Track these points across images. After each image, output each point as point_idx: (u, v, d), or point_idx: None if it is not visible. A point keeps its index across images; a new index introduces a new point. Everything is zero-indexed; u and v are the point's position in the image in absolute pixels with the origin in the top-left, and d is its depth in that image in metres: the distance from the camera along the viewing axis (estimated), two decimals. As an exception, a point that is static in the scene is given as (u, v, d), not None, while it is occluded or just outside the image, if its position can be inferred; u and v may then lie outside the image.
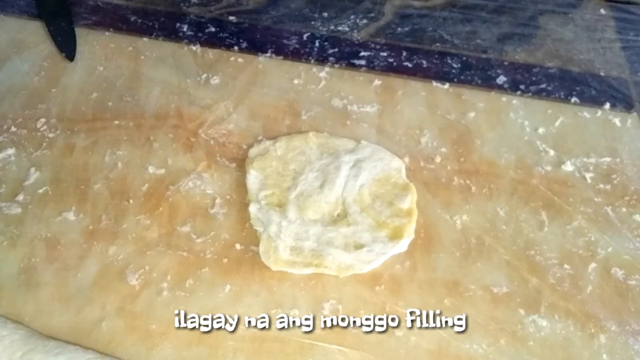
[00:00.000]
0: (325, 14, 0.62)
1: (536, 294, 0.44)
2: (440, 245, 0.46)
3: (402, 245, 0.44)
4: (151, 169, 0.48)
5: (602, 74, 0.59)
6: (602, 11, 0.66)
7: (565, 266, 0.45)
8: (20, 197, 0.46)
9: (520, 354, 0.41)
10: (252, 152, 0.50)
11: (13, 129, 0.50)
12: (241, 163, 0.49)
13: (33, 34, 0.57)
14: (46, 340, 0.38)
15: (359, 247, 0.44)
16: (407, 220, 0.45)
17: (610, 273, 0.45)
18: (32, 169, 0.47)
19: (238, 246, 0.45)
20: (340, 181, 0.47)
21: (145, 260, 0.43)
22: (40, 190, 0.46)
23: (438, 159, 0.51)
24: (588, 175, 0.51)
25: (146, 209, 0.46)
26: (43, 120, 0.51)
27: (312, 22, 0.62)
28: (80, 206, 0.46)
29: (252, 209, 0.46)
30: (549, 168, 0.51)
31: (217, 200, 0.47)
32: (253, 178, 0.48)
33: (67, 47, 0.56)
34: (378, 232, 0.45)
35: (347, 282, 0.43)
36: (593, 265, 0.45)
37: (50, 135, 0.50)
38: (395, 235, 0.45)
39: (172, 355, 0.39)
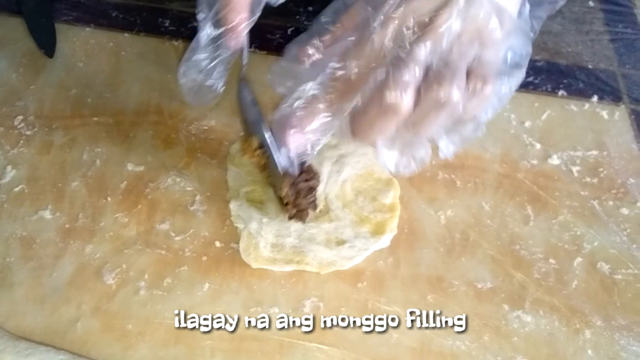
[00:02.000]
0: (310, 8, 0.62)
1: (521, 289, 0.43)
2: (424, 241, 0.45)
3: (385, 241, 0.44)
4: (130, 166, 0.47)
5: (590, 66, 0.59)
6: (591, 3, 0.65)
7: (551, 261, 0.44)
8: (-4, 196, 0.45)
9: (504, 350, 0.40)
10: (234, 148, 0.49)
11: (-11, 126, 0.49)
12: (222, 159, 0.48)
13: (12, 30, 0.56)
14: (17, 340, 0.37)
15: (340, 243, 0.43)
16: (389, 216, 0.45)
17: (596, 267, 0.44)
18: (9, 167, 0.47)
19: (218, 244, 0.44)
20: (322, 177, 0.46)
21: (122, 258, 0.42)
22: (16, 189, 0.46)
23: (423, 154, 0.50)
24: (575, 169, 0.50)
25: (124, 207, 0.45)
26: (20, 117, 0.50)
27: (297, 17, 0.61)
28: (57, 204, 0.45)
29: (233, 205, 0.45)
30: (535, 162, 0.50)
31: (197, 197, 0.46)
32: (234, 175, 0.47)
33: (46, 44, 0.55)
34: (360, 227, 0.44)
35: (329, 279, 0.43)
36: (579, 259, 0.45)
37: (28, 132, 0.49)
38: (378, 231, 0.44)
39: (148, 355, 0.38)
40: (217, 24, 0.37)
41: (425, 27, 0.34)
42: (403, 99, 0.33)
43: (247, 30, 0.38)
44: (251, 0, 0.37)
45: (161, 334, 0.39)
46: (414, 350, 0.40)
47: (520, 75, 0.37)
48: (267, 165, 0.41)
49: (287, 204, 0.42)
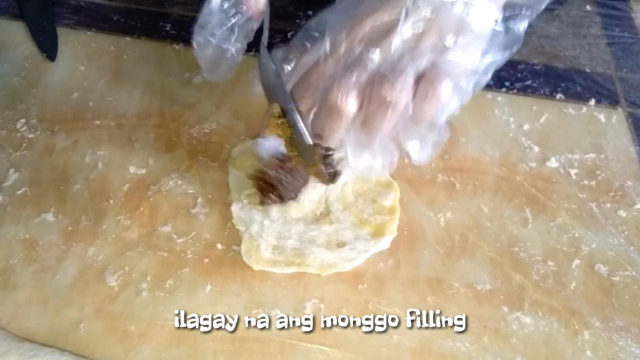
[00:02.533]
0: (310, 12, 0.62)
1: (520, 291, 0.43)
2: (423, 243, 0.45)
3: (385, 243, 0.44)
4: (132, 169, 0.48)
5: (587, 70, 0.59)
6: (588, 7, 0.66)
7: (549, 263, 0.45)
8: (-1, 199, 0.45)
9: (503, 352, 0.40)
10: (235, 151, 0.49)
11: (-8, 129, 0.49)
12: (223, 162, 0.49)
13: (14, 34, 0.57)
14: (21, 342, 0.37)
15: (341, 245, 0.44)
16: (389, 218, 0.45)
17: (594, 269, 0.45)
18: (11, 170, 0.47)
19: (219, 246, 0.44)
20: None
21: (124, 261, 0.43)
22: (19, 192, 0.46)
23: (422, 157, 0.50)
24: (573, 172, 0.50)
25: (126, 210, 0.45)
26: (23, 120, 0.50)
27: (297, 20, 0.61)
28: (60, 207, 0.45)
29: (234, 208, 0.46)
30: (533, 164, 0.51)
31: (199, 200, 0.46)
32: (235, 177, 0.47)
33: (48, 47, 0.56)
34: (360, 230, 0.45)
35: (330, 280, 0.43)
36: (577, 261, 0.45)
37: (30, 135, 0.49)
38: (378, 233, 0.44)
39: (150, 356, 0.39)
40: None
41: (378, 37, 0.35)
42: (346, 100, 0.35)
43: None
44: None
45: (163, 335, 0.39)
46: (414, 351, 0.40)
47: (482, 79, 0.38)
48: (292, 137, 0.39)
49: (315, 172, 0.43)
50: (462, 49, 0.36)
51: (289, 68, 0.39)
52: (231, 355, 0.39)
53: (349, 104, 0.35)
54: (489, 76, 0.38)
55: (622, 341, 0.41)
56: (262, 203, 0.45)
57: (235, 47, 0.39)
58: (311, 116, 0.38)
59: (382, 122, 0.36)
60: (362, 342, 0.40)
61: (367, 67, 0.35)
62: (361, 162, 0.40)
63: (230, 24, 0.38)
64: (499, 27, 0.37)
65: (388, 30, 0.35)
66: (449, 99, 0.36)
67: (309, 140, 0.38)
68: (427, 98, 0.35)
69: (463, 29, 0.36)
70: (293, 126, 0.38)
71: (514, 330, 0.41)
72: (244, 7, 0.38)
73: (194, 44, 0.38)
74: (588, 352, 0.41)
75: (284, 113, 0.38)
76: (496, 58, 0.38)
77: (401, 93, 0.35)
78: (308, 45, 0.39)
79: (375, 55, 0.35)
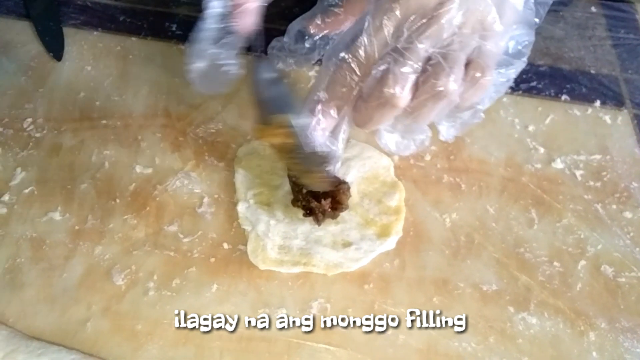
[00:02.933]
0: (315, 13, 0.62)
1: (525, 292, 0.43)
2: (429, 243, 0.45)
3: (390, 243, 0.44)
4: (138, 169, 0.48)
5: (592, 71, 0.59)
6: (593, 9, 0.66)
7: (555, 264, 0.45)
8: (6, 197, 0.45)
9: (509, 352, 0.40)
10: (241, 151, 0.49)
11: (-1, 129, 0.50)
12: (229, 162, 0.49)
13: (21, 34, 0.57)
14: (29, 340, 0.37)
15: (347, 245, 0.44)
16: (395, 218, 0.45)
17: (600, 270, 0.45)
18: (18, 169, 0.47)
19: (226, 245, 0.44)
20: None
21: (131, 260, 0.43)
22: (26, 191, 0.46)
23: (428, 157, 0.50)
24: (578, 173, 0.50)
25: (133, 209, 0.46)
26: (30, 120, 0.50)
27: (302, 21, 0.61)
28: (67, 206, 0.45)
29: (241, 208, 0.46)
30: (539, 166, 0.51)
31: (205, 200, 0.47)
32: (241, 177, 0.48)
33: (54, 47, 0.56)
34: (366, 230, 0.45)
35: (336, 280, 0.43)
36: (583, 262, 0.45)
37: (37, 135, 0.49)
38: (383, 233, 0.44)
39: (157, 355, 0.39)
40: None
41: (427, 21, 0.34)
42: (401, 92, 0.34)
43: (257, 10, 0.37)
44: None
45: (170, 334, 0.40)
46: (420, 351, 0.40)
47: (520, 65, 0.38)
48: (290, 147, 0.38)
49: (313, 196, 0.42)
50: (505, 32, 0.35)
51: (307, 45, 0.40)
52: (238, 355, 0.39)
53: (404, 95, 0.34)
54: (525, 59, 0.38)
55: (628, 342, 0.41)
56: (316, 221, 0.44)
57: (229, 64, 0.38)
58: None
59: (433, 110, 0.35)
60: (368, 342, 0.40)
61: (419, 54, 0.34)
62: (393, 140, 0.39)
63: (223, 41, 0.38)
64: (531, 6, 0.37)
65: (436, 12, 0.34)
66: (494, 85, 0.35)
67: (319, 147, 0.38)
68: (475, 85, 0.35)
69: (505, 10, 0.35)
70: (296, 135, 0.37)
71: (520, 330, 0.41)
72: (236, 25, 0.37)
73: (188, 59, 0.38)
74: (594, 353, 0.41)
75: (286, 123, 0.37)
76: (530, 39, 0.37)
77: (456, 83, 0.34)
78: (328, 20, 0.38)
79: (428, 42, 0.34)
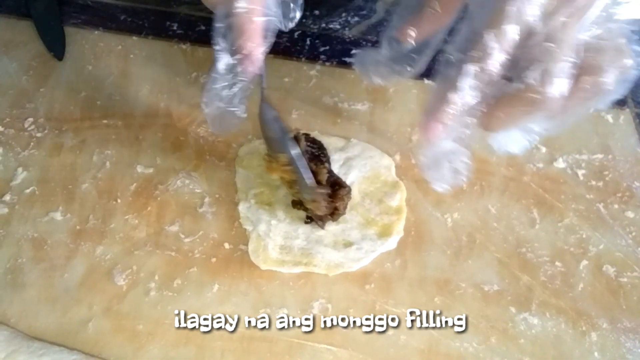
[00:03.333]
0: (317, 12, 0.62)
1: (527, 292, 0.43)
2: (430, 243, 0.45)
3: (391, 243, 0.44)
4: (140, 168, 0.48)
5: (594, 70, 0.59)
6: (595, 7, 0.65)
7: (557, 263, 0.45)
8: (7, 197, 0.45)
9: (511, 352, 0.40)
10: (242, 150, 0.49)
11: (0, 128, 0.49)
12: (230, 162, 0.49)
13: (22, 33, 0.57)
14: (30, 341, 0.37)
15: (348, 245, 0.44)
16: (396, 218, 0.45)
17: (602, 270, 0.45)
18: (20, 169, 0.47)
19: (227, 245, 0.44)
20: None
21: (132, 260, 0.43)
22: (27, 190, 0.46)
23: (429, 157, 0.50)
24: (580, 172, 0.50)
25: (134, 209, 0.46)
26: (31, 119, 0.50)
27: (304, 20, 0.61)
28: (68, 206, 0.45)
29: (242, 207, 0.46)
30: (540, 165, 0.51)
31: (206, 199, 0.47)
32: (242, 177, 0.47)
33: (55, 47, 0.56)
34: (367, 229, 0.45)
35: (337, 280, 0.43)
36: (585, 262, 0.45)
37: (38, 134, 0.49)
38: (384, 233, 0.44)
39: (159, 355, 0.39)
40: (233, 52, 0.37)
41: (569, 2, 0.30)
42: (559, 92, 0.31)
43: (263, 56, 0.38)
44: (264, 28, 0.37)
45: (172, 334, 0.40)
46: (422, 351, 0.40)
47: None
48: (296, 182, 0.43)
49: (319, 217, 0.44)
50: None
51: (413, 43, 0.37)
52: (239, 355, 0.39)
53: (561, 93, 0.31)
54: None
55: (630, 342, 0.41)
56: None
57: (239, 107, 0.40)
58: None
59: (590, 107, 0.32)
60: (369, 342, 0.40)
61: (573, 45, 0.30)
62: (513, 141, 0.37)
63: (232, 88, 0.39)
64: None
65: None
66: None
67: (312, 183, 0.42)
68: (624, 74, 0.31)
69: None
70: (297, 172, 0.42)
71: (522, 331, 0.41)
72: (244, 73, 0.38)
73: (202, 105, 0.40)
74: (596, 354, 0.41)
75: (289, 162, 0.42)
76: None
77: (616, 75, 0.31)
78: (424, 21, 0.36)
79: (582, 28, 0.30)
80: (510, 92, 0.32)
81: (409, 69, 0.41)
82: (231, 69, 0.38)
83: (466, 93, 0.32)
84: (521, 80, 0.32)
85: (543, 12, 0.31)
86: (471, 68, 0.32)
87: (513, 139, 0.36)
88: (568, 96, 0.31)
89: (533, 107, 0.32)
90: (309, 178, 0.41)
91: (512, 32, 0.31)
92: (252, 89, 0.40)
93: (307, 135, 0.46)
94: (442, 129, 0.34)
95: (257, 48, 0.37)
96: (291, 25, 0.39)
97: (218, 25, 0.37)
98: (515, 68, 0.32)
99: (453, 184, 0.37)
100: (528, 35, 0.31)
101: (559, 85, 0.31)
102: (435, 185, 0.38)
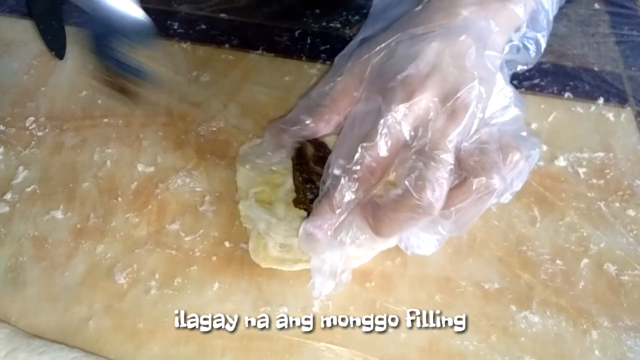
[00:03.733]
0: (317, 11, 0.62)
1: (528, 290, 0.43)
2: (431, 242, 0.45)
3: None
4: (140, 167, 0.48)
5: (596, 68, 0.59)
6: (596, 6, 0.65)
7: (558, 262, 0.45)
8: (8, 196, 0.45)
9: (511, 351, 0.40)
10: (243, 149, 0.49)
11: (1, 127, 0.50)
12: (231, 160, 0.49)
13: (23, 33, 0.57)
14: (31, 339, 0.37)
15: (348, 243, 0.44)
16: (397, 217, 0.45)
17: (603, 269, 0.45)
18: (21, 168, 0.47)
19: (227, 244, 0.44)
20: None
21: (133, 258, 0.43)
22: (28, 189, 0.46)
23: (430, 155, 0.50)
24: (581, 171, 0.50)
25: (135, 207, 0.46)
26: (32, 118, 0.50)
27: (304, 19, 0.61)
28: (69, 204, 0.45)
29: (242, 206, 0.46)
30: (541, 163, 0.50)
31: (207, 198, 0.47)
32: (243, 175, 0.47)
33: (56, 46, 0.56)
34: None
35: (337, 279, 0.43)
36: (585, 260, 0.45)
37: (39, 133, 0.50)
38: (385, 232, 0.44)
39: (159, 353, 0.39)
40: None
41: (451, 113, 0.33)
42: (439, 198, 0.33)
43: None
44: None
45: (172, 333, 0.40)
46: (422, 349, 0.40)
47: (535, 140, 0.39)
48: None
49: None
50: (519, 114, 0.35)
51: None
52: (239, 353, 0.39)
53: (442, 200, 0.33)
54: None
55: (631, 341, 0.41)
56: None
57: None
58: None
59: (482, 208, 0.35)
60: (370, 340, 0.40)
61: (452, 154, 0.33)
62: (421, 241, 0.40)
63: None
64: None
65: (457, 105, 0.33)
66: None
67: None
68: (514, 169, 0.35)
69: (514, 94, 0.36)
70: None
71: (522, 329, 0.41)
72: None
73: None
74: (596, 352, 0.41)
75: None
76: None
77: (505, 177, 0.34)
78: (311, 121, 0.39)
79: (458, 139, 0.33)
80: (392, 199, 0.34)
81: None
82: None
83: (344, 199, 0.34)
84: (401, 187, 0.33)
85: (414, 128, 0.33)
86: (346, 179, 0.34)
87: (422, 241, 0.39)
88: (460, 198, 0.33)
89: (414, 212, 0.33)
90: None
91: (382, 146, 0.33)
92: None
93: (315, 140, 0.45)
94: (325, 238, 0.35)
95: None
96: None
97: None
98: (396, 175, 0.34)
99: (332, 290, 0.39)
100: (403, 146, 0.34)
101: (433, 190, 0.32)
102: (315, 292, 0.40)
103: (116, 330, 0.40)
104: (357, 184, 0.34)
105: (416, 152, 0.33)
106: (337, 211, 0.35)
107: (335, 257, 0.38)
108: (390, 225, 0.35)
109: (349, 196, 0.34)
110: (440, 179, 0.32)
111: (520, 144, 0.35)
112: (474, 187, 0.33)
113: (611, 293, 0.43)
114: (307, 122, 0.39)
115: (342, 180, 0.34)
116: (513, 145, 0.34)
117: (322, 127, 0.39)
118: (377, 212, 0.35)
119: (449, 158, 0.33)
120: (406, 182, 0.33)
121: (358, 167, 0.34)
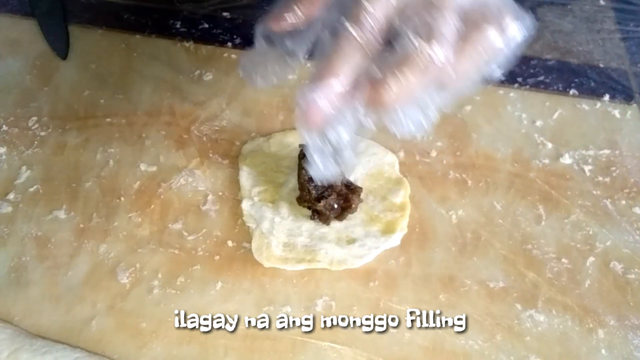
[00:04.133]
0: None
1: (533, 289, 0.43)
2: (435, 240, 0.45)
3: (395, 240, 0.44)
4: (143, 167, 0.48)
5: (601, 65, 0.59)
6: (602, 2, 0.65)
7: (563, 260, 0.44)
8: (11, 196, 0.45)
9: (517, 350, 0.40)
10: (246, 148, 0.49)
11: (4, 127, 0.50)
12: (234, 160, 0.49)
13: (25, 33, 0.57)
14: (34, 339, 0.37)
15: (351, 241, 0.44)
16: (400, 215, 0.45)
17: (609, 267, 0.44)
18: (24, 168, 0.47)
19: (230, 243, 0.44)
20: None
21: (136, 258, 0.43)
22: (31, 189, 0.46)
23: (434, 153, 0.50)
24: (587, 168, 0.50)
25: (137, 207, 0.46)
26: (35, 118, 0.50)
27: (307, 17, 0.61)
28: (71, 204, 0.45)
29: (245, 205, 0.46)
30: (546, 161, 0.50)
31: (209, 197, 0.46)
32: (246, 174, 0.47)
33: (59, 46, 0.56)
34: (371, 226, 0.44)
35: (341, 278, 0.43)
36: (591, 259, 0.44)
37: (42, 133, 0.49)
38: (388, 230, 0.44)
39: (162, 353, 0.39)
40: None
41: None
42: (449, 48, 0.30)
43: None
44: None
45: (175, 332, 0.39)
46: (426, 349, 0.40)
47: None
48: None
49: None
50: None
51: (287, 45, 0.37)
52: (242, 353, 0.39)
53: (449, 57, 0.30)
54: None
55: (638, 339, 0.41)
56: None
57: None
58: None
59: (481, 69, 0.32)
60: (373, 340, 0.40)
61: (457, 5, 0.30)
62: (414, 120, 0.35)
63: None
64: None
65: None
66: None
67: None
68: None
69: None
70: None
71: (528, 328, 0.41)
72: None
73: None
74: (603, 351, 0.40)
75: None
76: None
77: (501, 34, 0.31)
78: (298, 9, 0.36)
79: None
80: (395, 60, 0.31)
81: (290, 64, 0.39)
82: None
83: (348, 61, 0.31)
84: (406, 46, 0.30)
85: None
86: (349, 32, 0.31)
87: (410, 119, 0.34)
88: (456, 58, 0.31)
89: (420, 72, 0.30)
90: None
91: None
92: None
93: None
94: (323, 113, 0.31)
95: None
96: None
97: None
98: (399, 36, 0.31)
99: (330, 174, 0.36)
100: (405, 3, 0.31)
101: (443, 41, 0.30)
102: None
103: (119, 330, 0.39)
104: (360, 40, 0.31)
105: (422, 5, 0.31)
106: (341, 76, 0.31)
107: (337, 132, 0.34)
108: (393, 91, 0.31)
109: (353, 57, 0.31)
110: (449, 31, 0.30)
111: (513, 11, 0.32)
112: (473, 42, 0.31)
113: (617, 291, 0.43)
114: (289, 14, 0.36)
115: (344, 39, 0.31)
116: (507, 9, 0.32)
117: (308, 14, 0.36)
118: (376, 82, 0.31)
119: (454, 15, 0.30)
120: (411, 36, 0.30)
121: (362, 23, 0.31)
